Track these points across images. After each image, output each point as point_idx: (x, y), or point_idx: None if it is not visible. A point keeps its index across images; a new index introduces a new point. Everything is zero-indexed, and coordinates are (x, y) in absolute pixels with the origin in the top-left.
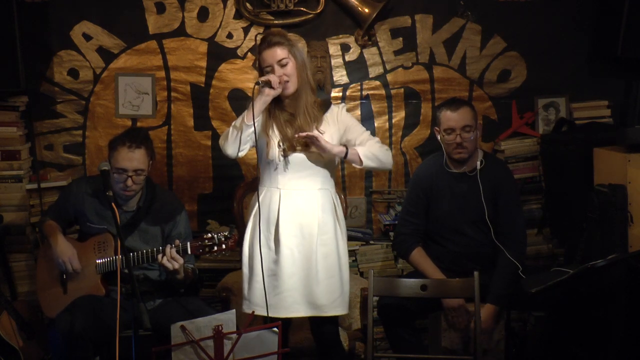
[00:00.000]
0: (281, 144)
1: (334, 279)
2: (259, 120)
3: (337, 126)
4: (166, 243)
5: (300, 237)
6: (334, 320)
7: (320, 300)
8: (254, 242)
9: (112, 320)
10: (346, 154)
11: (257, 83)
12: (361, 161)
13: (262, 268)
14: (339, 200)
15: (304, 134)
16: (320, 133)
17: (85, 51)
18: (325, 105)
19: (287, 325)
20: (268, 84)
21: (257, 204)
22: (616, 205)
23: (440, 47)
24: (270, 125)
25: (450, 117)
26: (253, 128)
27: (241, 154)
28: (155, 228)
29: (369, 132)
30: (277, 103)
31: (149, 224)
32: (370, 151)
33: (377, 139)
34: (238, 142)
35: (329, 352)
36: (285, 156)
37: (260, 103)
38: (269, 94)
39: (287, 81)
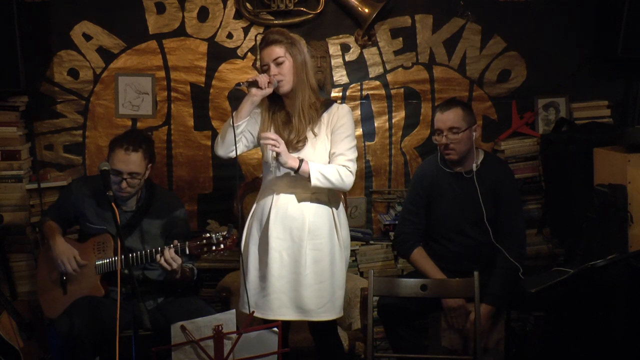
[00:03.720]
0: None
1: (324, 284)
2: (255, 121)
3: (330, 127)
4: (166, 243)
5: (289, 240)
6: (331, 323)
7: (308, 305)
8: (248, 243)
9: (112, 321)
10: (298, 168)
11: (237, 84)
12: (310, 180)
13: (243, 268)
14: (340, 206)
15: (266, 135)
16: (314, 135)
17: (85, 51)
18: (326, 104)
19: (286, 325)
20: (254, 84)
21: (254, 205)
22: (616, 205)
23: (440, 47)
24: (269, 127)
25: (438, 118)
26: (239, 129)
27: (232, 154)
28: (155, 228)
29: (350, 147)
30: (276, 104)
31: (148, 224)
32: (321, 172)
33: (350, 157)
34: (226, 144)
35: (328, 353)
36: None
37: (248, 104)
38: (255, 94)
39: (281, 80)
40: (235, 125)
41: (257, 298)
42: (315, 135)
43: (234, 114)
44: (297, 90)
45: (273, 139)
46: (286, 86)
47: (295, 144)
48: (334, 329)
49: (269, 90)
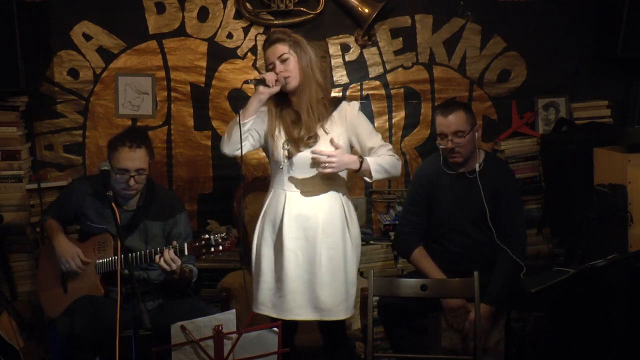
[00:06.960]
0: (285, 145)
1: (338, 283)
2: (261, 120)
3: (345, 126)
4: (166, 242)
5: (303, 239)
6: (342, 322)
7: (324, 304)
8: (261, 243)
9: (111, 321)
10: (359, 169)
11: (246, 82)
12: (371, 176)
13: (257, 270)
14: (350, 203)
15: (320, 152)
16: (325, 132)
17: (85, 51)
18: (335, 102)
19: (294, 325)
20: (262, 82)
21: (265, 205)
22: (616, 205)
23: (440, 47)
24: (277, 126)
25: (441, 123)
26: (245, 127)
27: (238, 152)
28: (156, 227)
29: (380, 135)
30: (283, 102)
31: (149, 223)
32: (380, 164)
33: (389, 146)
34: (232, 142)
35: (335, 349)
36: (289, 157)
37: (255, 102)
38: (263, 92)
39: (287, 77)
40: (242, 122)
41: (274, 299)
42: (326, 132)
43: (241, 111)
44: (304, 86)
45: (327, 156)
46: (293, 82)
47: (306, 140)
48: (344, 325)
49: (276, 89)
